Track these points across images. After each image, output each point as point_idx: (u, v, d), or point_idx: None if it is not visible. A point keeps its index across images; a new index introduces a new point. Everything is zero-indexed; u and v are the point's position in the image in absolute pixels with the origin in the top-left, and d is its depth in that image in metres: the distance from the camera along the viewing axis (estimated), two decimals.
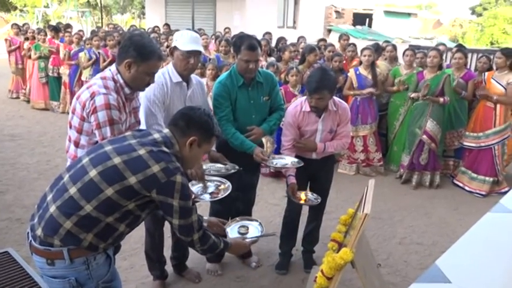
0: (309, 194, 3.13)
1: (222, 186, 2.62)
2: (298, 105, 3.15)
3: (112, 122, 2.18)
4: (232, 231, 2.26)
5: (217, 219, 2.31)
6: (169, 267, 3.24)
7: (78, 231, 1.69)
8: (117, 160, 1.72)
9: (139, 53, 2.22)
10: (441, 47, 6.04)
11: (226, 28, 10.15)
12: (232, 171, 2.86)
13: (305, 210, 3.48)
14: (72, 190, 1.71)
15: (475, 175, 5.18)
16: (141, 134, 1.87)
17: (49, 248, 1.71)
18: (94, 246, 1.74)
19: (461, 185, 5.30)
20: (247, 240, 2.20)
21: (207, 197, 2.56)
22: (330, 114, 3.12)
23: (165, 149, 1.79)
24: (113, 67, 2.33)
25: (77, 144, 2.33)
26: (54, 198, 1.75)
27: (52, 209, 1.72)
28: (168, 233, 3.21)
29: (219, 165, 2.91)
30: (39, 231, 1.73)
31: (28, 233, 1.82)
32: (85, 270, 1.75)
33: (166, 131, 1.89)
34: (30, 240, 1.78)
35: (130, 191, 1.70)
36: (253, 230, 2.29)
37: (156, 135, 1.85)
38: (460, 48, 5.86)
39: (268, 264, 3.51)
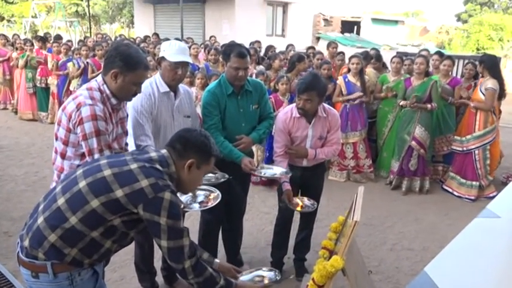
0: (305, 200, 3.12)
1: (212, 196, 2.59)
2: (288, 111, 3.16)
3: (98, 133, 2.17)
4: (249, 280, 2.11)
5: (232, 266, 2.15)
6: (159, 278, 3.21)
7: (62, 245, 1.67)
8: (107, 172, 1.71)
9: (126, 63, 2.21)
10: (424, 53, 6.13)
11: (212, 37, 10.17)
12: (222, 180, 2.84)
13: (296, 218, 3.48)
14: (61, 201, 1.70)
15: (463, 180, 5.23)
16: (138, 153, 1.87)
17: (33, 261, 1.69)
18: (78, 261, 1.71)
19: (450, 190, 5.35)
20: (259, 285, 2.06)
21: (196, 206, 2.54)
22: (320, 120, 3.13)
23: (158, 166, 1.76)
24: (99, 77, 2.31)
25: (63, 156, 2.30)
26: (44, 208, 1.74)
27: (40, 220, 1.71)
28: None
29: (209, 174, 2.90)
30: (26, 243, 1.72)
31: (18, 243, 1.80)
32: (69, 286, 1.73)
33: (163, 151, 1.87)
34: (18, 251, 1.76)
35: (116, 204, 1.67)
36: (269, 279, 2.16)
37: (153, 154, 1.83)
38: (441, 54, 5.96)
39: None
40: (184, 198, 2.53)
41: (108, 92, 2.26)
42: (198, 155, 1.85)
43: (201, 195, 2.61)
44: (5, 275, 2.83)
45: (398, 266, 3.66)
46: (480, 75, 5.26)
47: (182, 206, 2.35)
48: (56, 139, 2.31)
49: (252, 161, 2.97)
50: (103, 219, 1.68)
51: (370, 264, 3.58)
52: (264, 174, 3.07)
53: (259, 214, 4.59)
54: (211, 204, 2.53)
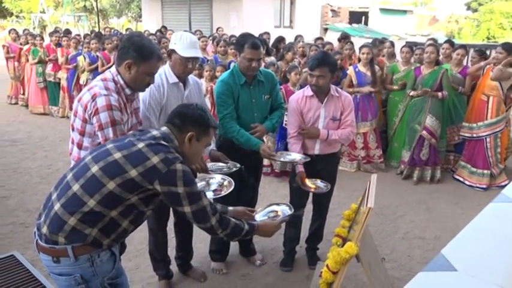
0: (318, 181, 3.08)
1: (225, 183, 2.63)
2: (300, 92, 3.20)
3: (114, 123, 2.20)
4: (262, 217, 2.22)
5: (245, 207, 2.28)
6: (174, 267, 3.26)
7: (82, 227, 1.72)
8: (117, 155, 1.76)
9: (139, 54, 2.23)
10: (430, 42, 6.09)
11: (219, 28, 10.14)
12: (234, 169, 2.87)
13: (309, 208, 3.50)
14: (75, 187, 1.75)
15: (474, 169, 5.21)
16: (140, 133, 1.92)
17: (54, 246, 1.74)
18: (98, 242, 1.77)
19: (461, 179, 5.33)
20: (276, 219, 2.16)
21: (210, 194, 2.57)
22: (333, 99, 3.12)
23: (163, 142, 1.83)
24: (113, 68, 2.34)
25: (80, 146, 2.34)
26: (58, 196, 1.79)
27: (56, 207, 1.76)
28: (171, 233, 3.22)
29: (220, 164, 2.92)
30: (44, 230, 1.76)
31: (35, 232, 1.85)
32: (89, 267, 1.78)
33: (164, 128, 1.93)
34: (37, 239, 1.81)
35: (132, 183, 1.73)
36: (283, 212, 2.26)
37: (155, 132, 1.89)
38: (451, 43, 5.90)
39: (272, 261, 3.53)
40: (198, 186, 2.56)
41: (122, 82, 2.29)
42: (196, 128, 1.93)
43: (214, 183, 2.64)
44: (23, 263, 2.89)
45: (410, 255, 3.67)
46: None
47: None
48: (73, 130, 2.34)
49: (271, 147, 2.99)
50: (121, 198, 1.74)
51: (382, 252, 3.60)
52: (283, 159, 3.08)
53: None
54: (224, 192, 2.56)
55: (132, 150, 1.76)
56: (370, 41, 7.28)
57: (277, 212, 2.27)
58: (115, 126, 2.20)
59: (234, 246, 3.53)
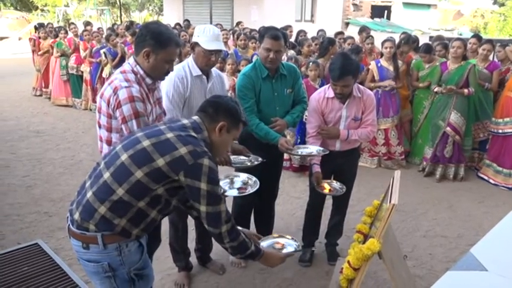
0: (334, 183, 3.06)
1: (250, 182, 2.62)
2: (321, 91, 3.14)
3: (137, 115, 2.17)
4: (267, 246, 2.16)
5: (253, 232, 2.26)
6: (193, 259, 3.29)
7: (112, 216, 1.74)
8: (146, 143, 1.76)
9: (157, 41, 2.19)
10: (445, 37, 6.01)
11: (239, 22, 10.11)
12: (256, 163, 2.87)
13: (328, 204, 3.47)
14: (106, 175, 1.77)
15: (500, 168, 5.08)
16: (171, 121, 1.92)
17: (84, 233, 1.77)
18: (127, 231, 1.78)
19: (486, 178, 5.20)
20: (283, 252, 2.12)
21: (235, 192, 2.57)
22: (355, 100, 3.07)
23: (193, 133, 1.82)
24: (131, 59, 2.31)
25: (109, 143, 2.31)
26: (91, 184, 1.82)
27: (89, 194, 1.79)
28: (192, 226, 3.24)
29: (242, 157, 2.92)
30: (76, 216, 1.79)
31: (67, 217, 1.89)
32: (117, 256, 1.80)
33: (195, 117, 1.92)
34: (69, 224, 1.85)
35: (159, 173, 1.73)
36: (289, 247, 2.19)
37: (185, 121, 1.88)
38: (478, 37, 5.76)
39: (291, 256, 3.51)
40: (222, 183, 2.55)
41: (141, 72, 2.26)
42: (229, 119, 1.92)
43: (238, 181, 2.64)
44: (47, 252, 2.96)
45: (432, 253, 3.61)
46: None
47: (222, 191, 2.39)
48: (100, 127, 2.32)
49: (289, 141, 2.97)
50: (148, 189, 1.74)
51: (404, 250, 3.55)
52: (301, 153, 3.05)
53: (290, 199, 4.60)
54: (248, 191, 2.56)
55: (161, 139, 1.76)
56: (392, 35, 7.17)
57: (282, 244, 2.20)
58: (138, 118, 2.17)
59: None
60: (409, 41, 6.02)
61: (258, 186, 2.57)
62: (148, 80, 2.29)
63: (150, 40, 2.19)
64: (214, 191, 1.77)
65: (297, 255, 3.47)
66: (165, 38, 2.21)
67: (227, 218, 1.84)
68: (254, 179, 2.64)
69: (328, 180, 3.10)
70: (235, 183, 2.62)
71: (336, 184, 3.05)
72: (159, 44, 2.20)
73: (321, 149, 3.02)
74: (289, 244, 2.22)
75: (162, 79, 2.41)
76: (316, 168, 3.04)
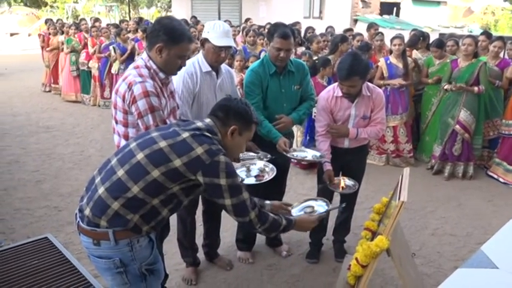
0: (346, 180, 3.04)
1: (267, 169, 2.63)
2: (330, 90, 3.12)
3: (153, 109, 2.19)
4: (298, 213, 2.22)
5: (281, 202, 2.29)
6: (201, 255, 3.30)
7: (125, 212, 1.75)
8: (163, 144, 1.77)
9: (170, 36, 2.21)
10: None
11: (247, 19, 10.09)
12: (265, 159, 2.87)
13: (336, 201, 3.46)
14: (120, 172, 1.78)
15: (510, 167, 5.03)
16: (185, 123, 1.92)
17: (95, 229, 1.78)
18: (138, 228, 1.79)
19: (495, 176, 5.15)
20: (314, 215, 2.16)
21: (252, 180, 2.57)
22: (364, 99, 3.06)
23: (207, 134, 1.83)
24: (144, 54, 2.32)
25: (126, 138, 2.32)
26: (102, 180, 1.82)
27: (101, 190, 1.79)
28: (199, 221, 3.26)
29: (251, 153, 2.93)
30: (87, 212, 1.80)
31: (76, 213, 1.89)
32: (129, 252, 1.81)
33: (208, 120, 1.93)
34: (78, 221, 1.85)
35: (176, 173, 1.74)
36: (320, 208, 2.24)
37: (199, 124, 1.89)
38: (488, 34, 5.70)
39: (298, 253, 3.52)
40: (239, 172, 2.56)
41: (155, 67, 2.28)
42: (240, 122, 1.93)
43: (255, 169, 2.65)
44: (56, 246, 2.99)
45: (440, 251, 3.59)
46: None
47: (240, 180, 2.40)
48: (116, 123, 2.35)
49: (287, 142, 2.93)
50: (164, 187, 1.76)
51: (412, 248, 3.52)
52: (296, 156, 3.02)
53: (297, 196, 4.59)
54: (265, 178, 2.57)
55: (177, 140, 1.77)
56: (400, 32, 7.13)
57: (313, 207, 2.25)
58: (154, 112, 2.19)
59: (260, 236, 3.53)
60: (426, 37, 6.00)
61: (275, 173, 2.57)
62: (161, 75, 2.31)
63: (163, 35, 2.21)
64: (234, 183, 1.81)
65: (304, 251, 3.48)
66: (178, 33, 2.23)
67: (252, 204, 1.87)
68: (271, 166, 2.66)
69: (340, 178, 3.08)
70: (252, 171, 2.63)
71: (349, 181, 3.03)
72: (172, 40, 2.22)
73: (317, 154, 3.00)
74: (320, 205, 2.26)
75: (174, 74, 2.43)
76: (328, 166, 3.03)
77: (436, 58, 5.49)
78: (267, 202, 2.19)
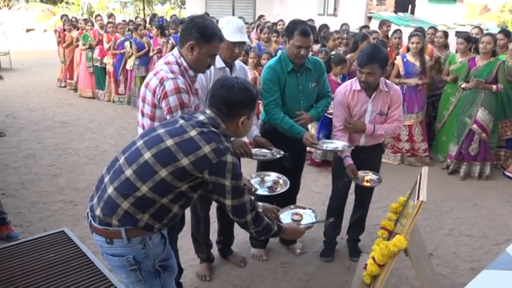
0: (370, 174, 3.00)
1: (280, 182, 2.64)
2: (348, 84, 3.11)
3: (183, 106, 2.22)
4: (286, 218, 2.25)
5: (272, 205, 2.31)
6: (215, 251, 3.31)
7: (135, 212, 1.75)
8: (169, 142, 1.76)
9: (202, 35, 2.24)
10: (475, 30, 5.89)
11: (261, 16, 10.04)
12: (278, 156, 2.87)
13: (350, 199, 3.44)
14: (128, 172, 1.77)
15: None
16: (189, 118, 1.88)
17: (107, 228, 1.78)
18: (150, 226, 1.80)
19: None
20: (301, 226, 2.18)
21: (265, 191, 2.58)
22: (381, 94, 3.03)
23: (213, 129, 1.82)
24: (175, 51, 2.36)
25: None
26: (111, 179, 1.82)
27: (110, 190, 1.79)
28: (213, 218, 3.26)
29: (264, 150, 2.93)
30: (98, 211, 1.80)
31: (88, 213, 1.90)
32: (142, 249, 1.82)
33: (208, 112, 1.88)
34: (90, 220, 1.86)
35: (183, 172, 1.74)
36: (307, 217, 2.27)
37: (201, 117, 1.85)
38: (506, 33, 5.58)
39: (312, 251, 3.51)
40: (253, 181, 2.57)
41: (185, 64, 2.31)
42: (247, 110, 1.92)
43: (269, 180, 2.65)
44: (73, 239, 3.03)
45: (456, 252, 3.55)
46: None
47: (253, 190, 2.44)
48: (143, 115, 2.37)
49: (314, 136, 2.95)
50: (172, 186, 1.75)
51: (427, 248, 3.47)
52: (327, 148, 3.03)
53: (311, 194, 4.58)
54: (278, 191, 2.57)
55: (184, 138, 1.76)
56: (421, 26, 7.04)
57: (301, 215, 2.27)
58: (183, 109, 2.23)
59: None
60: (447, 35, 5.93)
61: (288, 186, 2.57)
62: (191, 72, 2.35)
63: (196, 34, 2.24)
64: (238, 185, 1.81)
65: (318, 250, 3.46)
66: (210, 32, 2.26)
67: (251, 207, 1.88)
68: (284, 178, 2.66)
69: (364, 171, 3.03)
70: (266, 182, 2.63)
71: (373, 175, 3.00)
72: (204, 38, 2.25)
73: (347, 144, 3.00)
74: (308, 215, 2.29)
75: (203, 72, 2.48)
76: (349, 161, 3.00)
77: (460, 52, 5.38)
78: (259, 204, 2.22)
